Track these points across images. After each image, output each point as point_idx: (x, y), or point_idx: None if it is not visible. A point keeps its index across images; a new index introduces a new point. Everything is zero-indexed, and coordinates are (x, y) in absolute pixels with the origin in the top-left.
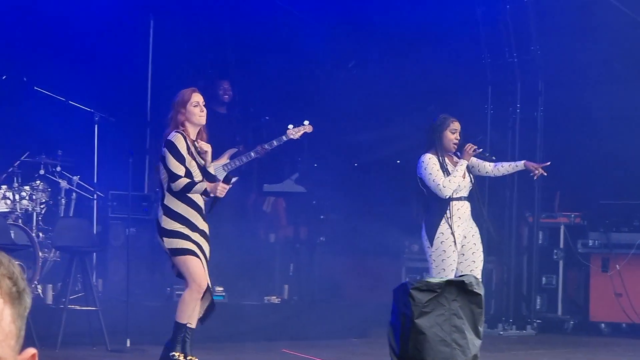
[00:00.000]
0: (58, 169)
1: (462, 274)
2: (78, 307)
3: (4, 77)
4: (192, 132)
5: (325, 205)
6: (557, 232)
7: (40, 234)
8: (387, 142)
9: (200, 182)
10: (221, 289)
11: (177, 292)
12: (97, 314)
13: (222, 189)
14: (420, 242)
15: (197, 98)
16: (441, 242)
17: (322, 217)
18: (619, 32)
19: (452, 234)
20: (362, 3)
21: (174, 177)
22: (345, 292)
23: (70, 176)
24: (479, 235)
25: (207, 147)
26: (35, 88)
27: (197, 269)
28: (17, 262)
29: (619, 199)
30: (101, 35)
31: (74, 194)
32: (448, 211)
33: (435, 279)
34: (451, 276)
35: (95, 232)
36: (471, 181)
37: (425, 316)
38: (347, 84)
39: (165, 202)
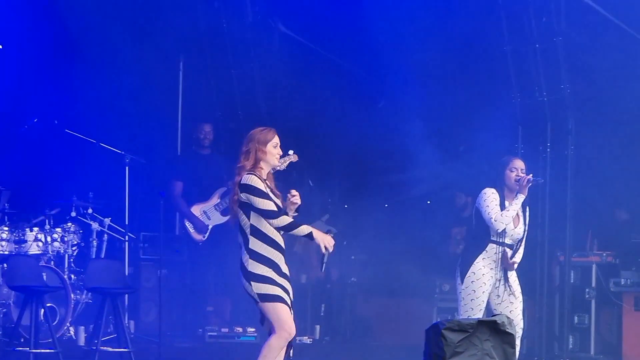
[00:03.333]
0: (89, 211)
1: (499, 313)
2: (110, 349)
3: (35, 120)
4: (265, 173)
5: (356, 246)
6: (589, 271)
7: (72, 276)
8: (418, 182)
9: (302, 223)
10: (253, 329)
11: (209, 334)
12: (129, 355)
13: (331, 242)
14: (453, 280)
15: (277, 140)
16: (472, 282)
17: (352, 257)
18: None
19: (483, 275)
20: (391, 40)
21: (272, 214)
22: (376, 332)
23: (102, 218)
24: (516, 278)
25: (296, 200)
26: (66, 130)
27: (286, 316)
28: (49, 304)
29: None
30: (131, 77)
31: (105, 235)
32: (485, 252)
33: (467, 319)
34: (479, 316)
35: (126, 273)
36: (524, 231)
37: (458, 356)
38: (376, 124)
39: (250, 247)
